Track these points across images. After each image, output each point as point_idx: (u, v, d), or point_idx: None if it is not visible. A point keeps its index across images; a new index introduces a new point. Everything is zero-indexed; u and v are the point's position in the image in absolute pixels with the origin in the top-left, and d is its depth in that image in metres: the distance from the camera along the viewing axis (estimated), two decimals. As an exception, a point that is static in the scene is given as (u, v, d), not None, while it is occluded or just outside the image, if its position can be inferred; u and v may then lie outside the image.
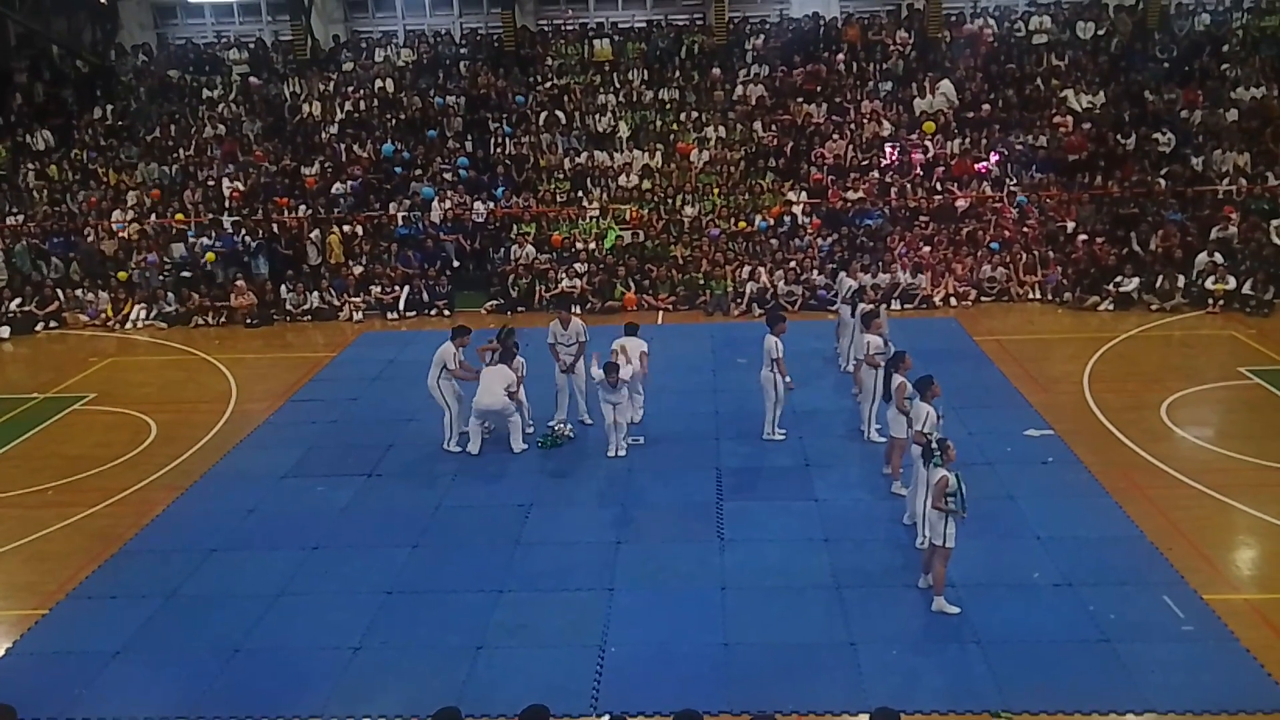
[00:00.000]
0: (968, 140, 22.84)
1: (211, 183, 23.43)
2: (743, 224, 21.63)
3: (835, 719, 8.22)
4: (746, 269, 20.46)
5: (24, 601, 10.40)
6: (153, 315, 20.84)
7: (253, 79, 26.57)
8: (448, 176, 23.15)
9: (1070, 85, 23.88)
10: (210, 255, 21.77)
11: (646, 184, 22.74)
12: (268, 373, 17.62)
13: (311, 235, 21.98)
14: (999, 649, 8.97)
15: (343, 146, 24.22)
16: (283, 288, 20.99)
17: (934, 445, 9.41)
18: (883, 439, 12.57)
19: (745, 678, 8.70)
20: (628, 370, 13.01)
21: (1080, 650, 8.91)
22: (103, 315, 21.00)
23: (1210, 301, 18.82)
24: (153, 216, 22.89)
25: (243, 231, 22.14)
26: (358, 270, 21.40)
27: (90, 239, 22.60)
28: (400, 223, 22.34)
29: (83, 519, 12.13)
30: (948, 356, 16.17)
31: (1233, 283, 18.86)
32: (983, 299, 20.08)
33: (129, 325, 20.69)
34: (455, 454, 13.51)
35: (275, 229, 22.22)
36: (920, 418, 10.47)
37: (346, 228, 22.26)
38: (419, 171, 23.37)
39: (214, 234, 22.24)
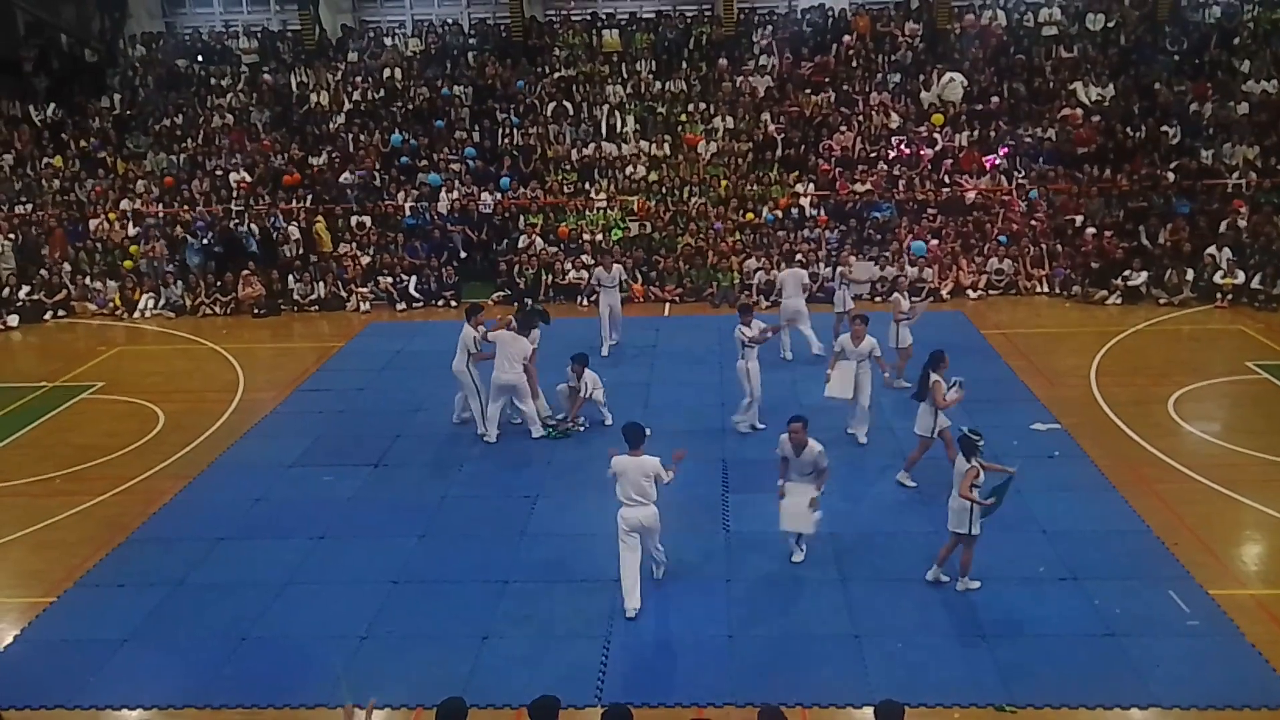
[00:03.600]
0: (976, 133, 22.76)
1: (219, 172, 23.45)
2: (749, 215, 21.59)
3: (840, 711, 8.22)
4: (753, 261, 20.43)
5: (32, 589, 10.44)
6: (161, 304, 20.89)
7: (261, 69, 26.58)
8: (455, 167, 23.14)
9: (1079, 78, 23.77)
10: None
11: (654, 175, 22.72)
12: (275, 362, 17.66)
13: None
14: (1004, 642, 8.98)
15: (350, 136, 24.23)
16: (290, 277, 21.00)
17: (976, 438, 9.35)
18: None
19: (750, 669, 8.71)
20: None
21: (1085, 644, 8.90)
22: (111, 304, 21.07)
23: (1219, 296, 18.77)
24: (159, 205, 22.93)
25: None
26: (364, 260, 21.41)
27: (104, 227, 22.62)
28: (408, 213, 22.35)
29: (91, 507, 12.17)
30: (955, 350, 15.95)
31: (1241, 277, 18.80)
32: (990, 292, 20.04)
33: (137, 314, 20.74)
34: (462, 444, 13.51)
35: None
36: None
37: (354, 218, 22.28)
38: (424, 161, 23.39)
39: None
